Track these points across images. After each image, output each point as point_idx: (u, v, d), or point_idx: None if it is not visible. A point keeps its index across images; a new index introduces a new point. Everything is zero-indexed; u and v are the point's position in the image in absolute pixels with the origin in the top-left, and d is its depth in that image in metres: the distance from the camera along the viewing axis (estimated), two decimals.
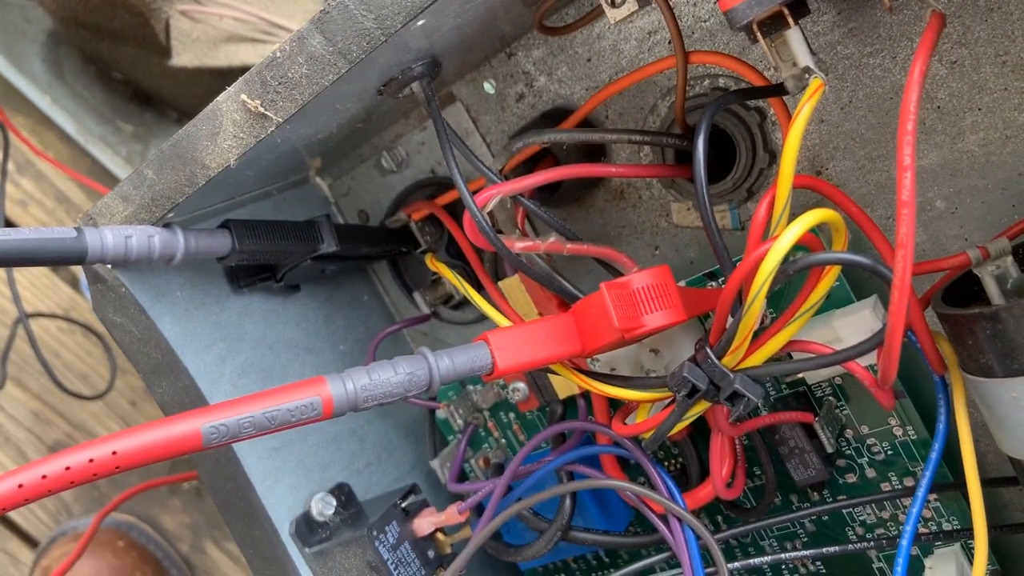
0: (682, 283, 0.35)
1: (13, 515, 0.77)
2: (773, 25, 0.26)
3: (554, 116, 0.37)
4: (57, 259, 0.29)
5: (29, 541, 0.77)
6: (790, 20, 0.25)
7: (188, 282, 0.36)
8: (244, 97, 0.29)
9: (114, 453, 0.23)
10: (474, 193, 0.30)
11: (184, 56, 0.63)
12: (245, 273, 0.38)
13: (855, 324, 0.31)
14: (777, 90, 0.29)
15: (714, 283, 0.35)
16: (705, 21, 0.34)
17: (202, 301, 0.36)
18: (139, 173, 0.32)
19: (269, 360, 0.38)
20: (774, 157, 0.34)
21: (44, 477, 0.22)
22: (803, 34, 0.26)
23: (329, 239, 0.37)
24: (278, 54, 0.28)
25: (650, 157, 0.37)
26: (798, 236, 0.24)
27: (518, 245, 0.32)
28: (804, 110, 0.25)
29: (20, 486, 0.22)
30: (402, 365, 0.27)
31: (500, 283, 0.37)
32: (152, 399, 0.77)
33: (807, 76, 0.26)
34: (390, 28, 0.26)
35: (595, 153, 0.38)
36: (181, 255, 0.32)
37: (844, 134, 0.33)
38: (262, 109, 0.29)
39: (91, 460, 0.23)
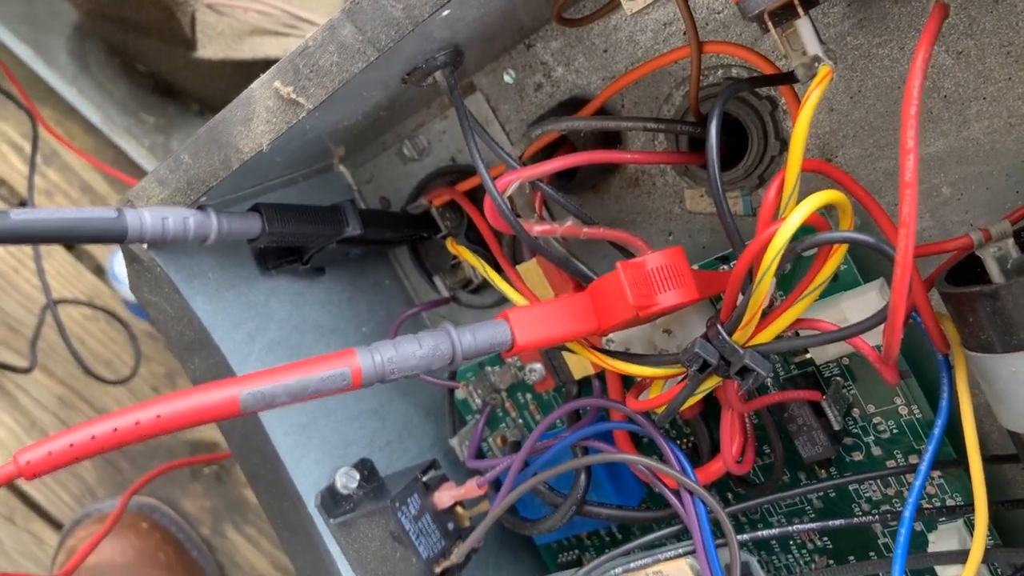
0: (695, 267, 0.36)
1: (38, 497, 0.79)
2: (784, 15, 0.27)
3: (571, 105, 0.39)
4: (99, 237, 0.31)
5: (53, 523, 0.79)
6: (800, 10, 0.27)
7: (219, 264, 0.37)
8: (277, 84, 0.30)
9: (159, 416, 0.24)
10: (494, 179, 0.32)
11: (209, 49, 0.64)
12: (273, 255, 0.39)
13: (862, 305, 0.32)
14: (787, 78, 0.30)
15: (726, 266, 0.36)
16: (719, 12, 0.35)
17: (232, 282, 0.38)
18: (176, 157, 0.33)
19: (295, 340, 0.40)
20: (785, 145, 0.35)
21: (93, 437, 0.24)
22: (812, 24, 0.27)
23: (354, 223, 0.38)
24: (310, 43, 0.30)
25: (664, 145, 0.38)
26: (806, 216, 0.25)
27: (536, 229, 0.33)
28: (813, 95, 0.26)
29: (72, 445, 0.24)
30: (427, 339, 0.28)
31: (518, 266, 0.39)
32: (174, 386, 0.79)
33: (816, 64, 0.27)
34: (417, 17, 0.28)
35: (611, 141, 0.39)
36: (214, 236, 0.34)
37: (853, 122, 0.34)
38: (294, 96, 0.30)
39: (137, 422, 0.24)
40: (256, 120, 0.31)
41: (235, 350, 0.37)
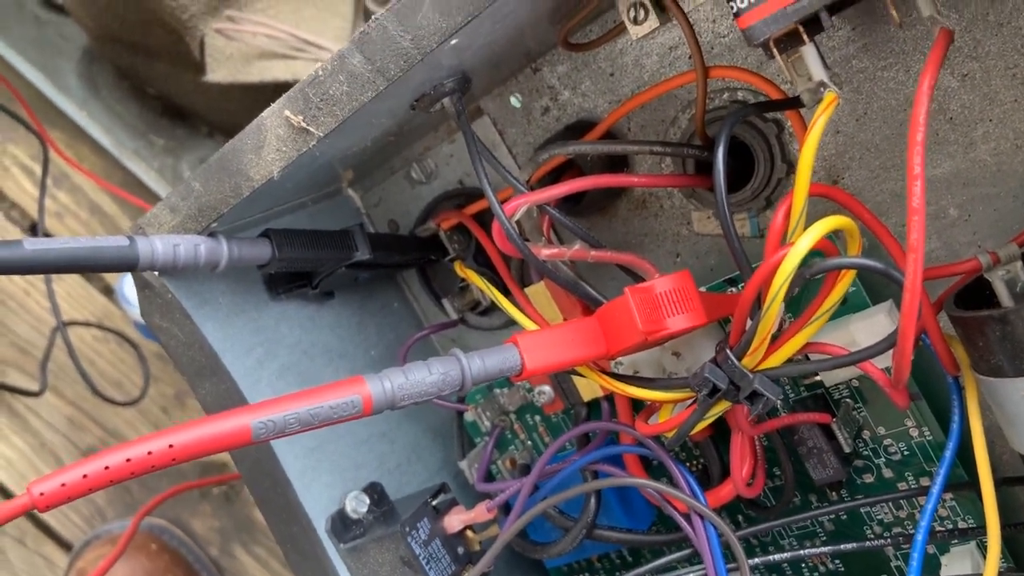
0: (703, 289, 0.36)
1: (49, 520, 0.79)
2: (789, 42, 0.27)
3: (578, 129, 0.39)
4: (111, 266, 0.31)
5: (64, 545, 0.79)
6: (805, 37, 0.27)
7: (229, 289, 0.38)
8: (288, 113, 0.30)
9: (171, 446, 0.24)
10: (502, 203, 0.32)
11: (218, 72, 0.65)
12: (283, 280, 0.40)
13: (871, 328, 0.32)
14: (793, 103, 0.30)
15: (734, 289, 0.36)
16: (724, 36, 0.35)
17: (242, 307, 0.38)
18: (187, 185, 0.33)
19: (305, 364, 0.40)
20: (792, 167, 0.36)
21: (107, 468, 0.24)
22: (818, 50, 0.27)
23: (363, 247, 0.38)
24: (320, 72, 0.30)
25: (671, 168, 0.38)
26: (814, 241, 0.25)
27: (544, 252, 0.33)
28: (819, 122, 0.27)
29: (85, 476, 0.24)
30: (436, 366, 0.28)
31: (526, 289, 0.39)
32: (184, 407, 0.79)
33: (822, 90, 0.27)
34: (426, 47, 0.28)
35: (618, 164, 0.39)
36: (225, 262, 0.34)
37: (859, 145, 0.34)
38: (304, 124, 0.30)
39: (149, 452, 0.24)
40: (267, 148, 0.32)
41: (245, 375, 0.37)
